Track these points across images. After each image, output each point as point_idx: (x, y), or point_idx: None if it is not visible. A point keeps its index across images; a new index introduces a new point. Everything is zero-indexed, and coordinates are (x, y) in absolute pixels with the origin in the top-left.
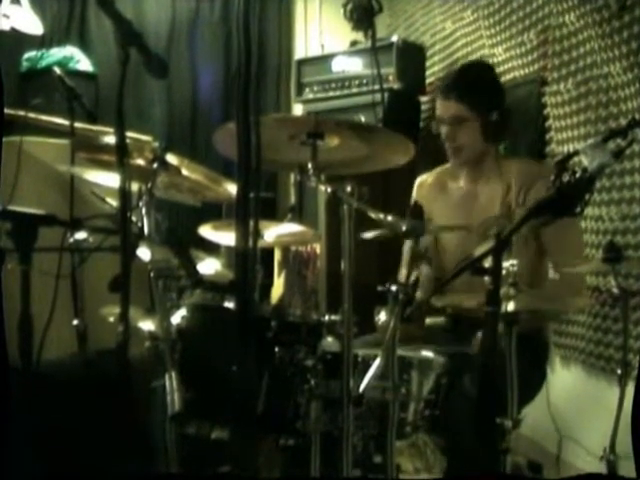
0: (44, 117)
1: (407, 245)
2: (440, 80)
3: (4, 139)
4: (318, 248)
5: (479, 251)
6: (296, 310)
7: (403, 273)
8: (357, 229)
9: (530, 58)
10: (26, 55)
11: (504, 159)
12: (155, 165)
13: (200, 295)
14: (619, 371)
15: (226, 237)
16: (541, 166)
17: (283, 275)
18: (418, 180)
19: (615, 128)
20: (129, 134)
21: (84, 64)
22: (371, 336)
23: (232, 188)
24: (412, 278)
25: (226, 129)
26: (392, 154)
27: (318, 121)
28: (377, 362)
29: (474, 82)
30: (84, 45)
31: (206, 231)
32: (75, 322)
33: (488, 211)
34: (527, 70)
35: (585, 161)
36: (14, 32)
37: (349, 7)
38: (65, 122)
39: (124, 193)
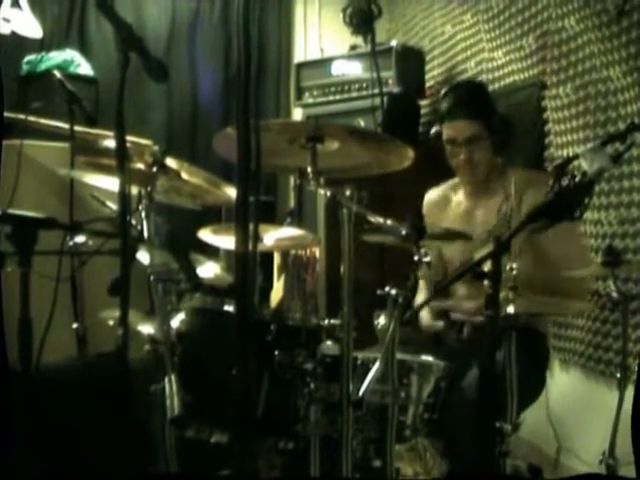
0: (44, 120)
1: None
2: (448, 80)
3: (4, 142)
4: (317, 252)
5: (478, 255)
6: (295, 314)
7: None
8: (356, 233)
9: (529, 62)
10: (26, 58)
11: (505, 169)
12: (155, 169)
13: (199, 299)
14: (618, 375)
15: (225, 241)
16: (538, 174)
17: (282, 279)
18: (426, 197)
19: (614, 132)
20: (129, 138)
21: (84, 68)
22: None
23: (232, 192)
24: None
25: (225, 134)
26: (391, 159)
27: (318, 126)
28: (376, 366)
29: (480, 99)
30: (84, 49)
31: (206, 235)
32: (75, 325)
33: (487, 223)
34: (526, 74)
35: (584, 165)
36: (14, 36)
37: (348, 11)
38: (65, 126)
39: (124, 197)
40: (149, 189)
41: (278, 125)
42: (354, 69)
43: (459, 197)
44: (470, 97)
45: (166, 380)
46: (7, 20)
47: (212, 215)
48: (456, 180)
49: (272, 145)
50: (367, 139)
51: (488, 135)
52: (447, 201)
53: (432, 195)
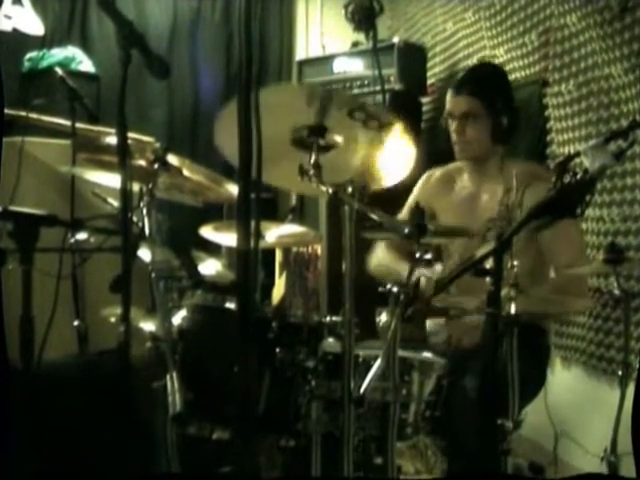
0: (45, 117)
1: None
2: (450, 77)
3: (5, 139)
4: (319, 249)
5: (480, 252)
6: (297, 311)
7: (379, 253)
8: (358, 230)
9: (531, 59)
10: (28, 55)
11: (507, 161)
12: (156, 166)
13: (201, 296)
14: (620, 372)
15: (227, 238)
16: (541, 168)
17: (284, 276)
18: (427, 173)
19: (616, 129)
20: (130, 135)
21: (86, 64)
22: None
23: (233, 189)
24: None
25: (227, 114)
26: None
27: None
28: (378, 363)
29: (488, 81)
30: (86, 45)
31: (207, 232)
32: (76, 323)
33: (489, 212)
34: (528, 71)
35: (586, 162)
36: (16, 32)
37: (350, 8)
38: (66, 122)
39: (125, 194)
40: (151, 186)
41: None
42: (356, 66)
43: (463, 180)
44: (477, 75)
45: (167, 377)
46: (9, 17)
47: (214, 212)
48: (460, 163)
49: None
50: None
51: (486, 115)
52: (452, 182)
53: (434, 173)
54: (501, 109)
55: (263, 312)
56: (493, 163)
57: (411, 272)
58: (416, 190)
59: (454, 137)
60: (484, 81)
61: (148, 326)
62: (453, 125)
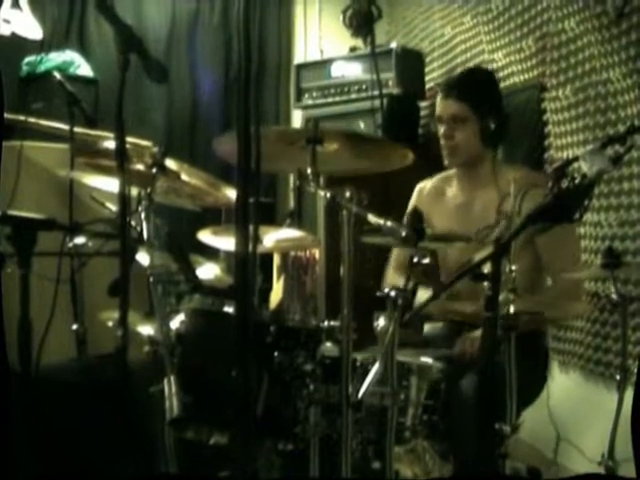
0: (44, 122)
1: (395, 252)
2: (442, 81)
3: (4, 144)
4: (317, 253)
5: (478, 257)
6: (295, 315)
7: (389, 278)
8: (356, 234)
9: (529, 64)
10: (26, 60)
11: (500, 166)
12: (154, 170)
13: (199, 300)
14: (618, 377)
15: (225, 242)
16: (537, 175)
17: (282, 280)
18: (418, 186)
19: (614, 134)
20: (129, 139)
21: (84, 69)
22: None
23: (231, 193)
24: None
25: (226, 138)
26: (391, 160)
27: (317, 130)
28: (376, 367)
29: (476, 85)
30: (84, 50)
31: (205, 236)
32: (74, 326)
33: (484, 218)
34: (526, 76)
35: (584, 167)
36: (14, 37)
37: (348, 13)
38: (65, 127)
39: (123, 198)
40: (149, 190)
41: (276, 133)
42: (354, 71)
43: (454, 190)
44: (465, 80)
45: (165, 381)
46: (7, 21)
47: (212, 216)
48: (449, 172)
49: (271, 149)
50: (366, 143)
51: (475, 119)
52: (441, 193)
53: (425, 186)
54: (489, 112)
55: (261, 316)
56: (485, 168)
57: (409, 278)
58: (410, 205)
59: (442, 142)
60: (472, 85)
61: (146, 330)
62: (442, 129)
